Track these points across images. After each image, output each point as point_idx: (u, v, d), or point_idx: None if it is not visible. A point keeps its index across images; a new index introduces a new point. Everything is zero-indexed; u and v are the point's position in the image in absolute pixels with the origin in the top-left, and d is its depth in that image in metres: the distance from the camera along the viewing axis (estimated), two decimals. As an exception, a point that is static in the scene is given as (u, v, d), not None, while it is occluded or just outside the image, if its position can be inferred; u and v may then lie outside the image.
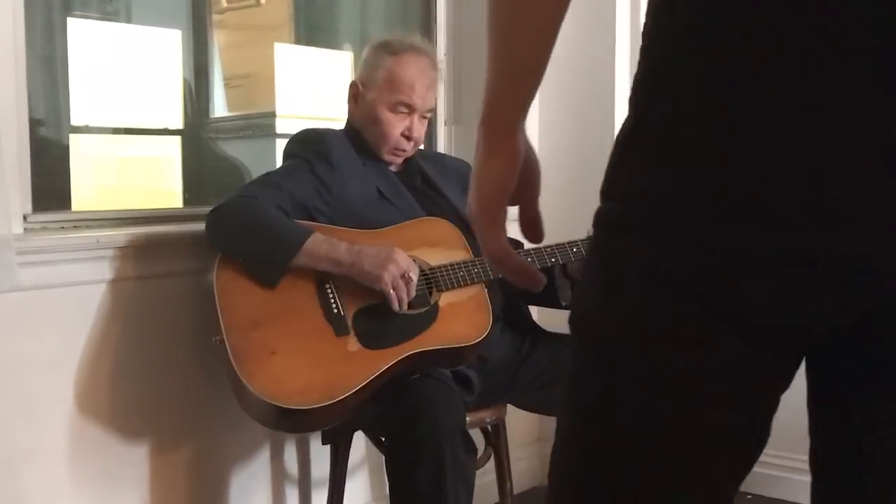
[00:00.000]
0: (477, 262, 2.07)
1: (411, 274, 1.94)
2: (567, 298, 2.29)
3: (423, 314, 1.99)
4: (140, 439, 2.08)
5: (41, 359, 1.91)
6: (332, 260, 1.94)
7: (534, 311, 2.37)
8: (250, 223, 1.96)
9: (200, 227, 2.08)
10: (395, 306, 1.93)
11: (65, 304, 1.94)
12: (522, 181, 0.98)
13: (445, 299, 2.03)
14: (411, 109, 2.15)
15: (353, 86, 2.23)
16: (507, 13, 0.91)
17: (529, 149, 0.98)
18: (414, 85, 2.14)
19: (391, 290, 1.92)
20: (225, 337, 1.87)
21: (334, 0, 3.01)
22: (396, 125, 2.15)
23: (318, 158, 2.10)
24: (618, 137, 0.93)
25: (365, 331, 1.93)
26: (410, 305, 1.96)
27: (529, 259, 2.10)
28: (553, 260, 2.12)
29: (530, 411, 2.50)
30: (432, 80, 2.19)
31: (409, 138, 2.17)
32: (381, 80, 2.15)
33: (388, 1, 3.10)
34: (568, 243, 2.13)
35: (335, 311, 1.94)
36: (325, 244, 1.94)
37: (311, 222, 2.03)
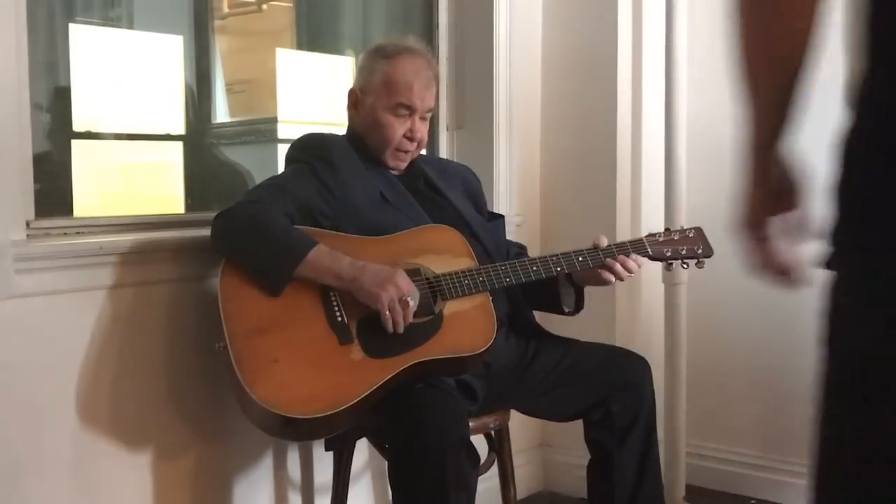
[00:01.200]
0: (482, 271, 2.06)
1: (409, 299, 1.92)
2: (570, 305, 2.28)
3: (428, 323, 1.98)
4: (142, 446, 2.08)
5: (44, 365, 1.91)
6: (334, 273, 1.93)
7: (538, 313, 2.36)
8: (255, 231, 1.95)
9: (203, 232, 2.08)
10: (389, 328, 1.92)
11: (67, 311, 1.94)
12: (784, 191, 1.10)
13: (450, 308, 2.02)
14: (411, 110, 2.15)
15: (351, 93, 2.22)
16: (755, 46, 1.05)
17: (789, 164, 1.10)
18: (412, 86, 2.14)
19: (387, 312, 1.91)
20: (228, 343, 1.87)
21: (336, 5, 3.01)
22: (398, 128, 2.15)
23: (321, 162, 2.09)
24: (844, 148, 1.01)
25: (369, 339, 1.92)
26: (415, 314, 1.95)
27: (535, 267, 2.09)
28: (559, 269, 2.11)
29: (534, 416, 2.49)
30: (429, 79, 2.18)
31: (411, 139, 2.16)
32: (379, 85, 2.15)
33: (389, 5, 3.10)
34: (574, 252, 2.13)
35: (339, 319, 1.93)
36: (329, 257, 1.94)
37: (318, 229, 2.02)
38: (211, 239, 2.01)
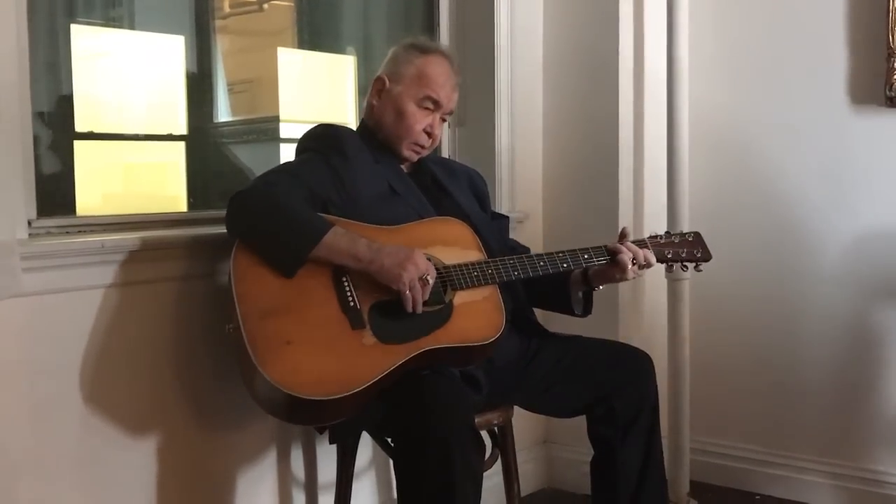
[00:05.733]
0: (491, 264, 2.08)
1: (429, 277, 1.95)
2: (580, 308, 2.29)
3: (438, 312, 2.00)
4: (146, 443, 2.08)
5: (46, 364, 1.91)
6: (351, 255, 1.94)
7: (539, 313, 2.37)
8: (272, 212, 1.95)
9: (205, 230, 2.09)
10: (409, 308, 1.93)
11: (70, 309, 1.94)
12: None
13: (460, 298, 2.03)
14: (437, 106, 2.18)
15: (378, 80, 2.24)
16: None
17: None
18: (442, 83, 2.19)
19: (407, 292, 1.92)
20: (241, 324, 1.87)
21: (337, 4, 3.02)
22: (420, 120, 2.18)
23: (332, 151, 2.11)
24: None
25: (380, 325, 1.94)
26: (426, 303, 1.96)
27: (542, 263, 2.11)
28: (565, 265, 2.13)
29: (537, 413, 2.49)
30: (456, 84, 2.24)
31: (429, 135, 2.19)
32: (411, 75, 2.19)
33: (390, 4, 3.10)
34: (580, 250, 2.15)
35: (351, 304, 1.94)
36: (346, 239, 1.95)
37: (332, 216, 2.02)
38: (227, 219, 2.01)
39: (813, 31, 2.92)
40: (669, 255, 2.25)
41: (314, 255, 1.92)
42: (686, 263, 2.28)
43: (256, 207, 1.97)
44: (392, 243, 1.99)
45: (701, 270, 2.31)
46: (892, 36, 2.74)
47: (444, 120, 2.24)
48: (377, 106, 2.23)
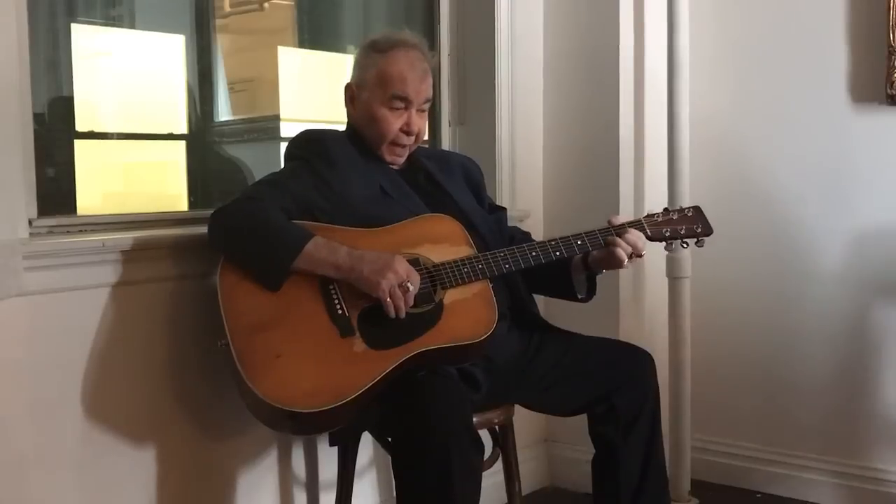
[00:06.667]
0: (481, 259, 2.06)
1: (409, 283, 1.93)
2: (583, 291, 2.28)
3: (428, 312, 1.99)
4: (147, 442, 2.08)
5: (47, 363, 1.91)
6: (332, 264, 1.93)
7: (541, 307, 2.36)
8: (251, 226, 1.95)
9: (206, 230, 2.08)
10: (391, 314, 1.92)
11: (70, 308, 1.94)
12: None
13: (450, 297, 2.02)
14: (407, 103, 2.15)
15: (347, 88, 2.23)
16: None
17: None
18: (405, 78, 2.13)
19: (388, 299, 1.91)
20: (230, 340, 1.87)
21: (337, 3, 3.02)
22: (394, 121, 2.14)
23: (318, 157, 2.10)
24: None
25: (370, 331, 1.93)
26: (415, 304, 1.95)
27: (534, 253, 2.10)
28: (558, 253, 2.11)
29: (538, 411, 2.49)
30: (424, 71, 2.17)
31: (408, 133, 2.16)
32: (373, 79, 2.15)
33: (390, 3, 3.10)
34: (573, 236, 2.13)
35: (339, 312, 1.94)
36: (326, 248, 1.94)
37: (314, 223, 2.02)
38: (208, 236, 2.01)
39: (813, 30, 2.92)
40: (667, 234, 2.20)
41: (296, 266, 1.92)
42: (686, 240, 2.24)
43: (236, 223, 1.97)
44: (379, 245, 1.99)
45: (702, 245, 2.24)
46: (893, 34, 2.74)
47: (422, 111, 2.18)
48: (353, 114, 2.22)
